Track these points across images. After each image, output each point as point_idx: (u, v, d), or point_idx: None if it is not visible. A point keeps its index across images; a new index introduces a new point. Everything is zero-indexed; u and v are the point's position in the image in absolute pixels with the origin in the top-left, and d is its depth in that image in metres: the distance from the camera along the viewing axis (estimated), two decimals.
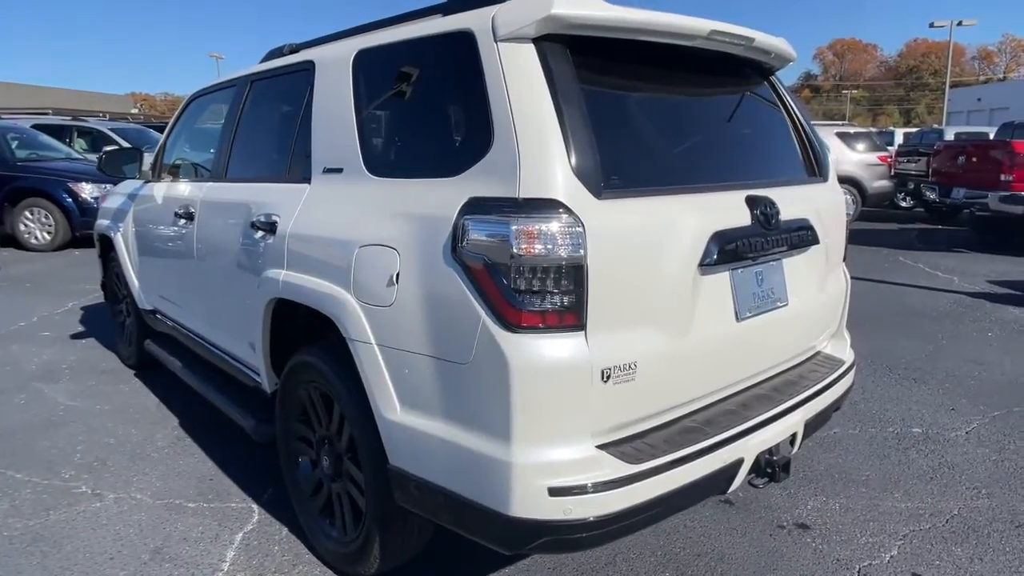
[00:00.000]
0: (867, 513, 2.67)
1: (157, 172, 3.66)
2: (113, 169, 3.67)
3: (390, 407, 1.84)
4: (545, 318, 1.59)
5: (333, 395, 2.15)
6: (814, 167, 2.45)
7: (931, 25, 34.09)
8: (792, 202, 2.14)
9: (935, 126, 20.46)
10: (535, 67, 1.68)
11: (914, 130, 18.48)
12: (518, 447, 1.58)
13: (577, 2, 1.70)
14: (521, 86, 1.67)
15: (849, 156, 11.49)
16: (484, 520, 1.66)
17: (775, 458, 1.99)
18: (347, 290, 1.94)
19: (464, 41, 1.80)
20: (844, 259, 2.60)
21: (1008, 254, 8.56)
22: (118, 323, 4.55)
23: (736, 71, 2.32)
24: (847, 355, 2.54)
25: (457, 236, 1.66)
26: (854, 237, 10.19)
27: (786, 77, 2.59)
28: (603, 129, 1.73)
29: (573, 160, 1.63)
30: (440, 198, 1.74)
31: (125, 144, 11.31)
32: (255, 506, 2.75)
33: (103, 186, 8.68)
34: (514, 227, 1.58)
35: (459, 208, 1.67)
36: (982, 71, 72.57)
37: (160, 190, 3.49)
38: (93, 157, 10.59)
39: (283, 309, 2.35)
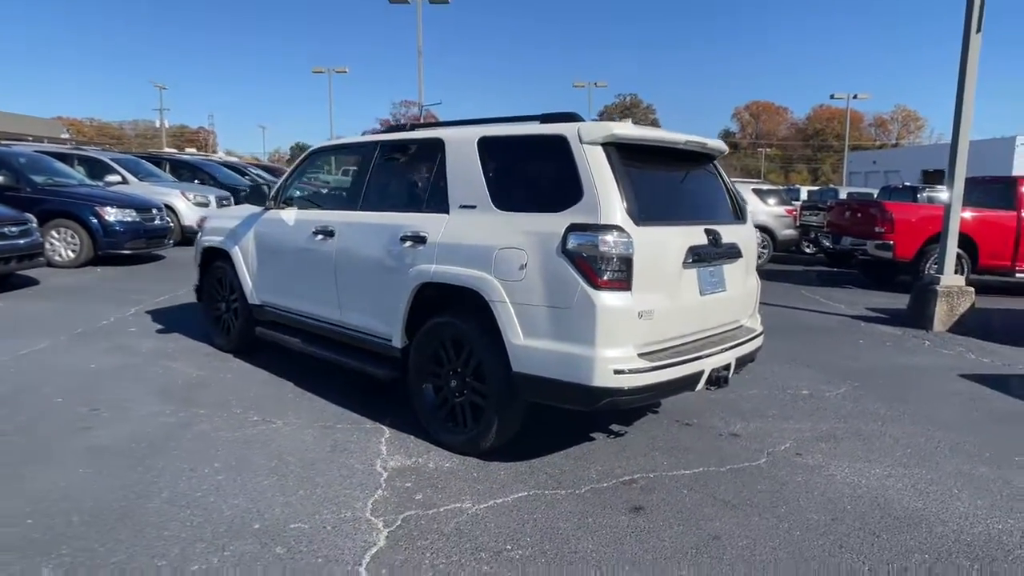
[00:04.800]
0: (772, 429, 4.32)
1: (277, 202, 5.03)
2: (256, 199, 5.02)
3: (517, 337, 3.32)
4: (612, 283, 3.15)
5: (464, 340, 3.61)
6: (739, 215, 4.17)
7: (832, 96, 38.81)
8: (728, 234, 3.81)
9: (831, 186, 23.79)
10: (603, 158, 3.28)
11: (816, 188, 21.53)
12: (599, 349, 3.11)
13: (623, 127, 3.34)
14: (596, 167, 3.26)
15: (762, 208, 13.77)
16: (576, 392, 3.16)
17: (720, 375, 3.60)
18: (489, 273, 3.43)
19: (561, 141, 3.38)
20: (757, 269, 4.31)
21: (885, 290, 10.81)
22: (213, 318, 5.73)
23: (699, 159, 4.02)
24: (758, 327, 4.22)
25: (564, 241, 3.20)
26: (768, 275, 12.29)
27: (708, 133, 4.32)
28: (637, 190, 3.34)
29: (625, 205, 3.22)
30: (552, 223, 3.28)
31: (123, 172, 12.29)
32: (383, 426, 4.10)
33: (125, 210, 9.70)
34: (598, 237, 3.14)
35: (564, 228, 3.22)
36: (878, 137, 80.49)
37: (288, 215, 4.84)
38: (97, 183, 11.47)
39: (422, 292, 3.79)
